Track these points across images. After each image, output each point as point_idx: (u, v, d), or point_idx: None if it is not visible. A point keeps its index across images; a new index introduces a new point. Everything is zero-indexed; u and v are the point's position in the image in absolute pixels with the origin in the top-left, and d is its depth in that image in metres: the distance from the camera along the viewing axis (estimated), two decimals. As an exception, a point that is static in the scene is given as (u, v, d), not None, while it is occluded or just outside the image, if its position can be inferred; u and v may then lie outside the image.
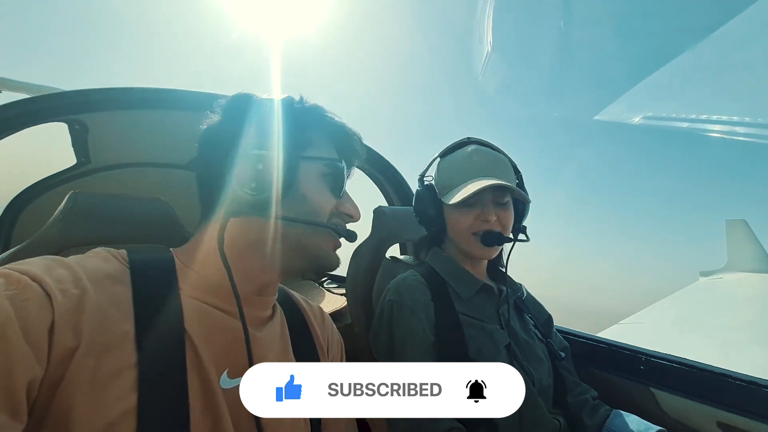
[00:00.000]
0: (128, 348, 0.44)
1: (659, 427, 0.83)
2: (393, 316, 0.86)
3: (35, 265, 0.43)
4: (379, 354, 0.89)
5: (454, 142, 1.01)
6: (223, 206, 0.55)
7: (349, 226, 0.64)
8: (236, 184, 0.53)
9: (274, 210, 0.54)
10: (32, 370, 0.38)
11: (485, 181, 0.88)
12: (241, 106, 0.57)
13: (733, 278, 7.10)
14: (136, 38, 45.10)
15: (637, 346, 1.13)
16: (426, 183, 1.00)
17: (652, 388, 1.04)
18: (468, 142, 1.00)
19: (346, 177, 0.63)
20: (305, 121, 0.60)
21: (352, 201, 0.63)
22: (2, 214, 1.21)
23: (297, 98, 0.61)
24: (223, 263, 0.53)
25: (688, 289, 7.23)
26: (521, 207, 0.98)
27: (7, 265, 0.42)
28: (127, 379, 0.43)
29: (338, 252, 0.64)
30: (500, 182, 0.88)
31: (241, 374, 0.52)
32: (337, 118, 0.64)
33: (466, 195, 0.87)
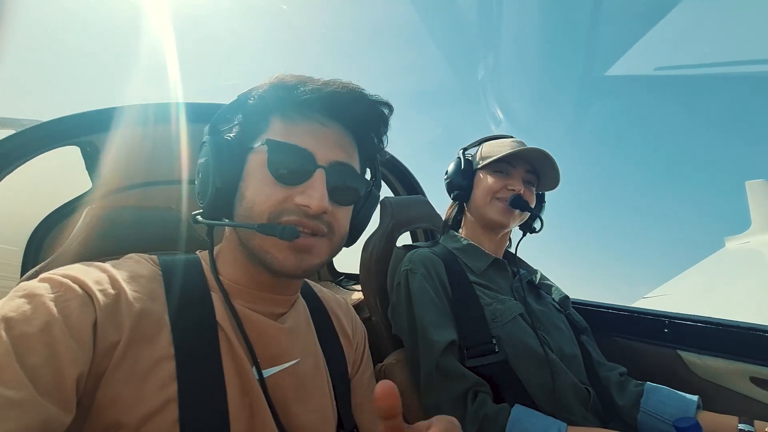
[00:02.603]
0: (165, 340, 0.47)
1: (695, 397, 0.81)
2: (409, 282, 0.91)
3: (75, 269, 0.46)
4: (401, 326, 0.91)
5: (498, 134, 1.11)
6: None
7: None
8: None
9: (214, 215, 0.54)
10: (80, 365, 0.40)
11: (525, 147, 0.96)
12: (208, 120, 0.58)
13: (761, 240, 6.85)
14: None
15: (659, 310, 1.11)
16: (466, 157, 1.08)
17: (679, 351, 1.02)
18: (513, 138, 1.08)
19: (304, 156, 0.52)
20: (261, 110, 0.55)
21: (317, 186, 0.51)
22: (28, 242, 1.26)
23: (257, 87, 0.56)
24: (210, 266, 0.56)
25: (715, 256, 7.02)
26: (538, 205, 1.06)
27: (49, 271, 0.45)
28: (166, 369, 0.45)
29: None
30: (542, 149, 0.95)
31: (269, 365, 0.55)
32: (308, 86, 0.52)
33: (506, 152, 0.96)
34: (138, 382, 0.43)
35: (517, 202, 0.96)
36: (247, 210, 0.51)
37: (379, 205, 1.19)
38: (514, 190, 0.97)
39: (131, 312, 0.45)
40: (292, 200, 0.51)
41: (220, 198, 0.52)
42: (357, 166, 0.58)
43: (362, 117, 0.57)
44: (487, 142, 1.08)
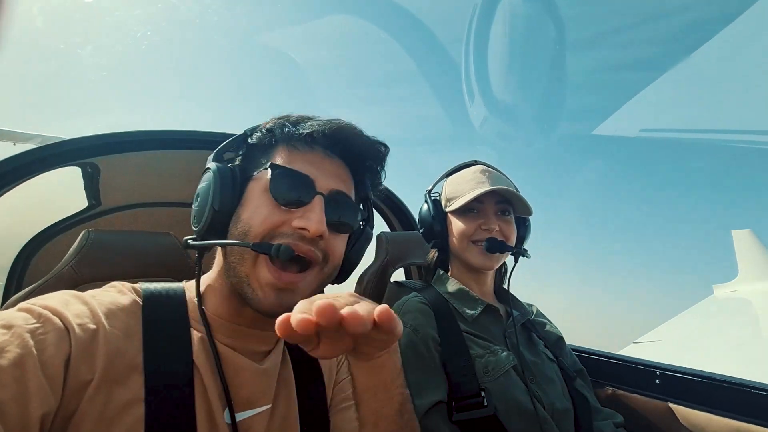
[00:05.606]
0: (137, 382, 0.45)
1: None
2: None
3: (55, 299, 0.45)
4: None
5: (461, 163, 1.06)
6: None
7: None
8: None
9: (208, 238, 0.53)
10: (47, 403, 0.39)
11: (489, 186, 0.91)
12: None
13: (748, 289, 6.93)
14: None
15: (651, 360, 1.10)
16: (433, 198, 1.04)
17: (670, 403, 1.01)
18: (475, 162, 1.04)
19: (305, 181, 0.54)
20: (267, 142, 0.58)
21: (315, 210, 0.52)
22: (15, 258, 1.24)
23: (259, 126, 0.59)
24: (196, 294, 0.55)
25: (704, 303, 7.05)
26: (521, 230, 1.01)
27: (28, 300, 0.44)
28: (134, 414, 0.44)
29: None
30: (503, 187, 0.90)
31: (242, 409, 0.52)
32: (313, 121, 0.56)
33: (469, 198, 0.91)
34: (106, 426, 0.42)
35: (494, 246, 0.91)
36: (242, 232, 0.51)
37: (374, 239, 1.21)
38: (488, 230, 0.92)
39: (107, 350, 0.44)
40: (290, 224, 0.51)
41: (217, 221, 0.53)
42: (354, 199, 0.60)
43: (361, 153, 0.60)
44: (449, 179, 1.03)
